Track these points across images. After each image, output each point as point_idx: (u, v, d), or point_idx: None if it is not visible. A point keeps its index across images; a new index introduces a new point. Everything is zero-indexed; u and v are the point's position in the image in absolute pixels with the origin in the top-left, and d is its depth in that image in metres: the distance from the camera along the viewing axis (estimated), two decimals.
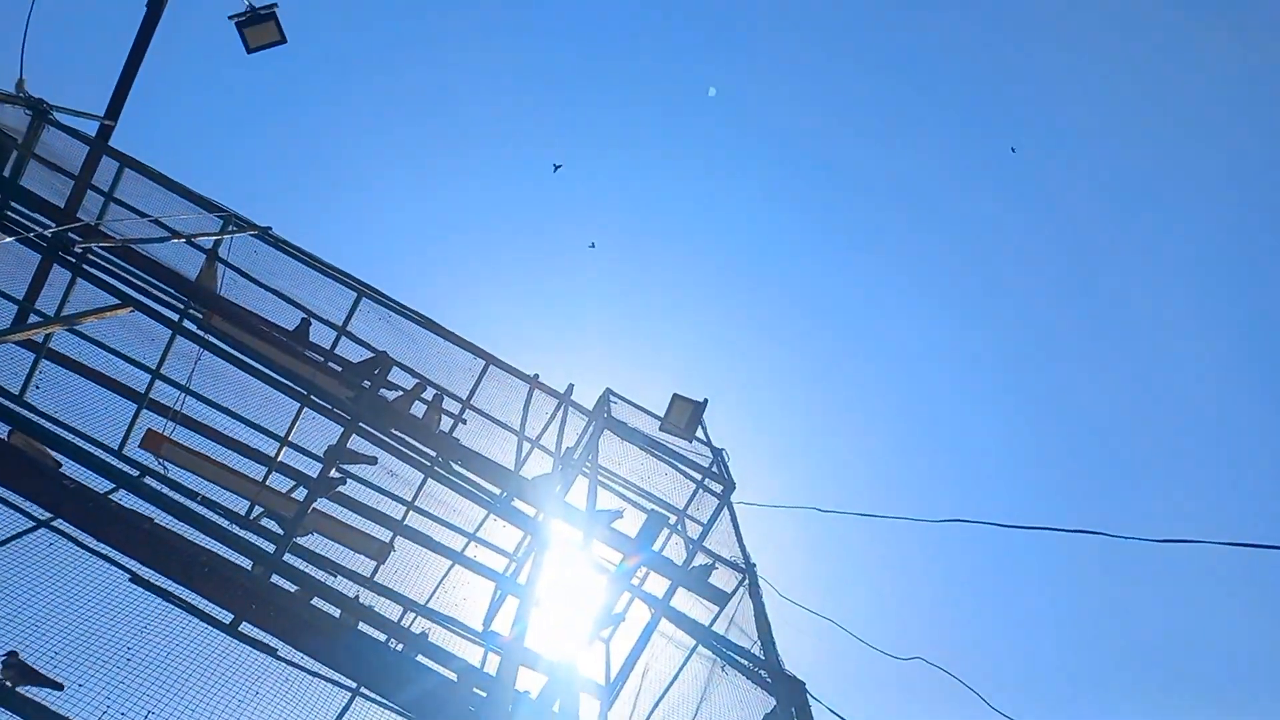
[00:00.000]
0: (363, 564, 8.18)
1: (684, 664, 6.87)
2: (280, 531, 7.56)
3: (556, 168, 31.78)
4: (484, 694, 5.25)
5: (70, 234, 7.30)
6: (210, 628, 6.54)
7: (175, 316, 7.60)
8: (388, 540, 8.08)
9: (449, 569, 8.28)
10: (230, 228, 8.89)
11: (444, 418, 8.30)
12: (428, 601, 8.13)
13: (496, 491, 7.02)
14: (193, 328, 7.61)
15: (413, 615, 7.79)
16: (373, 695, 7.05)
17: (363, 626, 6.35)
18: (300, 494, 8.07)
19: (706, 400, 9.26)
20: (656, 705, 6.94)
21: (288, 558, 6.93)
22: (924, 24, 34.26)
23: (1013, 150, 31.87)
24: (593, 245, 31.51)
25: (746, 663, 5.91)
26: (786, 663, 6.05)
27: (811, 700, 5.43)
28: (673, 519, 8.58)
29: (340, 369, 7.92)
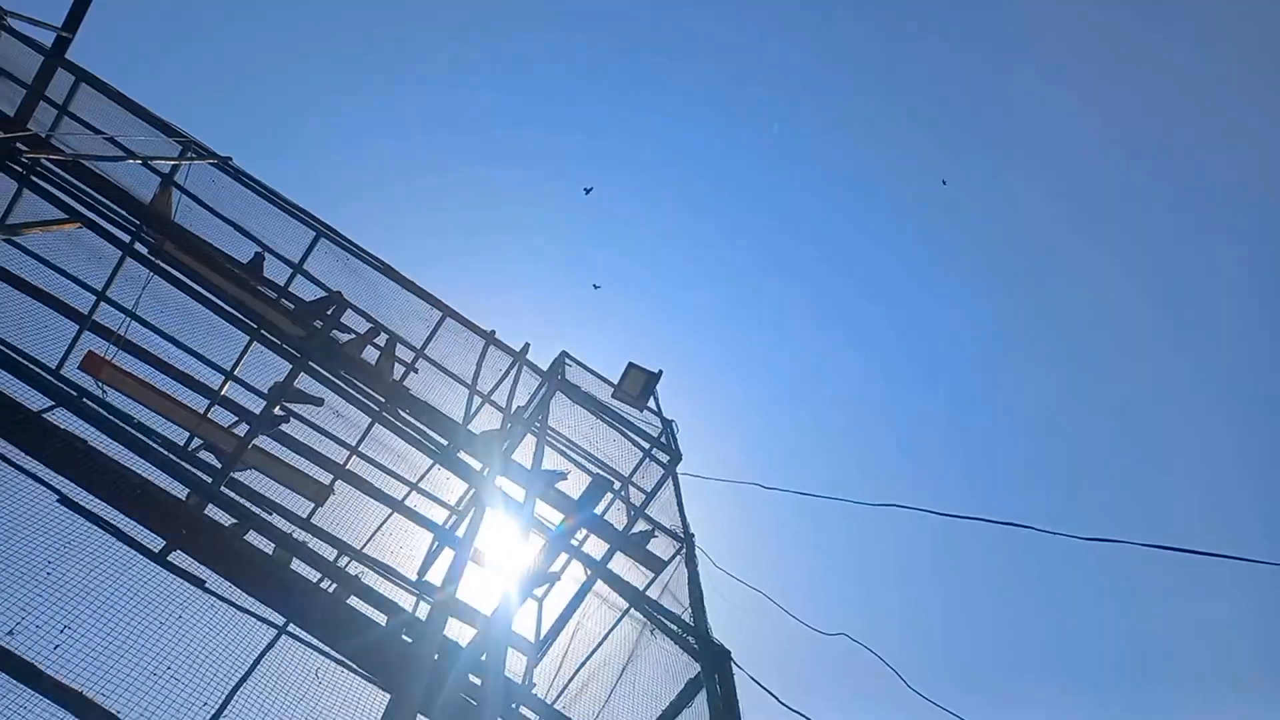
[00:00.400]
0: (300, 505, 8.15)
1: (614, 625, 6.98)
2: (218, 466, 7.51)
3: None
4: (411, 640, 5.31)
5: (18, 144, 7.11)
6: (137, 554, 6.49)
7: (127, 239, 7.46)
8: (328, 483, 8.05)
9: (388, 516, 8.29)
10: (190, 154, 8.73)
11: (396, 365, 8.26)
12: (363, 547, 8.14)
13: (444, 443, 7.04)
14: (144, 251, 7.48)
15: (347, 559, 7.80)
16: (300, 634, 7.06)
17: (296, 566, 6.37)
18: (243, 431, 8.01)
19: (661, 372, 9.34)
20: (583, 664, 7.05)
21: (224, 491, 6.89)
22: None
23: (944, 183, 32.52)
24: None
25: (676, 629, 6.03)
26: (715, 632, 6.19)
27: (735, 669, 5.56)
28: (617, 485, 8.66)
29: (293, 307, 7.84)
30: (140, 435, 7.11)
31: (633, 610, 6.77)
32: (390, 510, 8.36)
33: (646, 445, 8.69)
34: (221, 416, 8.46)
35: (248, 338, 7.99)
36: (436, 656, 7.00)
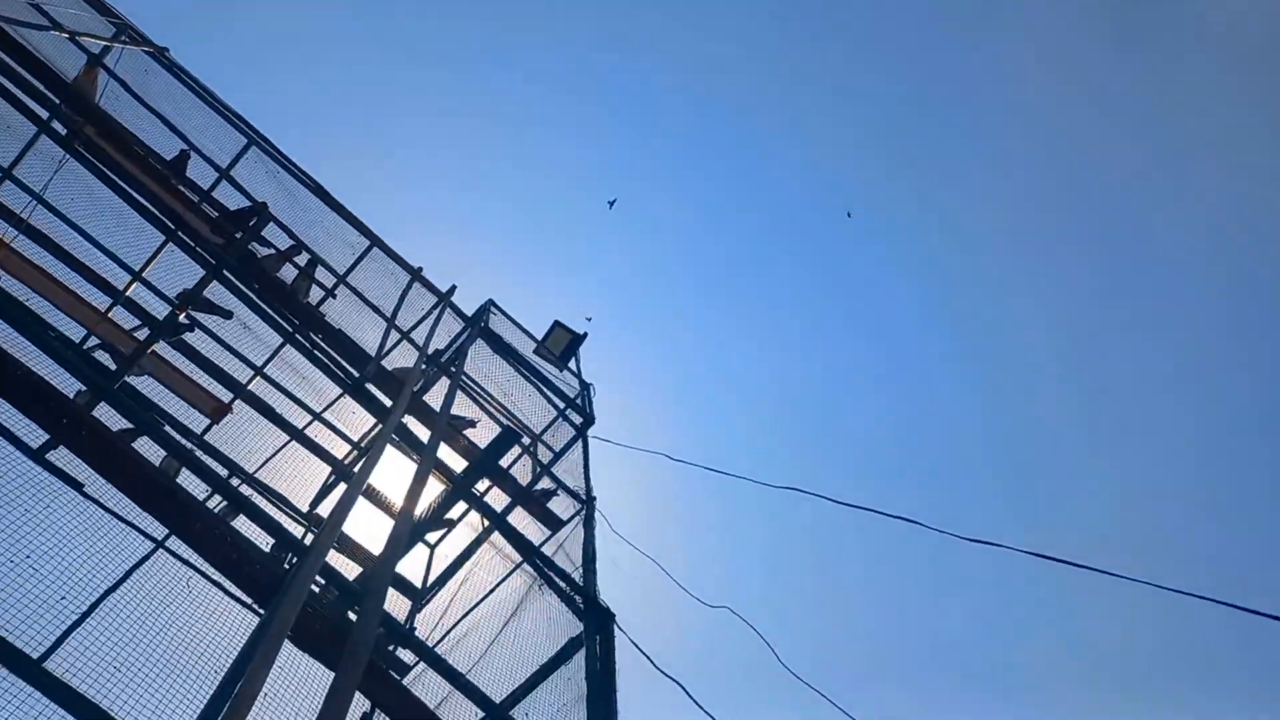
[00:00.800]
0: (196, 421, 7.93)
1: (505, 578, 7.00)
2: (113, 369, 7.25)
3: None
4: (291, 568, 5.24)
5: None
6: (14, 449, 6.24)
7: (44, 115, 7.10)
8: (227, 401, 7.85)
9: (286, 444, 8.12)
10: (123, 38, 8.33)
11: (314, 287, 8.07)
12: (256, 471, 7.97)
13: (355, 374, 6.93)
14: (61, 131, 7.14)
15: (239, 481, 7.64)
16: (178, 552, 6.91)
17: (184, 481, 6.21)
18: (144, 336, 7.74)
19: (585, 334, 9.36)
20: (468, 613, 7.06)
21: (116, 393, 6.66)
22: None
23: (849, 215, 33.30)
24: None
25: (565, 587, 6.09)
26: (605, 597, 6.27)
27: (617, 631, 5.65)
28: (526, 440, 8.65)
29: (214, 213, 7.59)
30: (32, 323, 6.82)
31: (525, 566, 6.81)
32: (289, 438, 8.20)
33: (561, 405, 8.70)
34: (123, 320, 8.15)
35: (162, 239, 7.70)
36: (316, 589, 6.94)
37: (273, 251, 7.66)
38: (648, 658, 5.44)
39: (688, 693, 5.26)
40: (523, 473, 8.13)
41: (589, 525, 6.97)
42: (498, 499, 7.88)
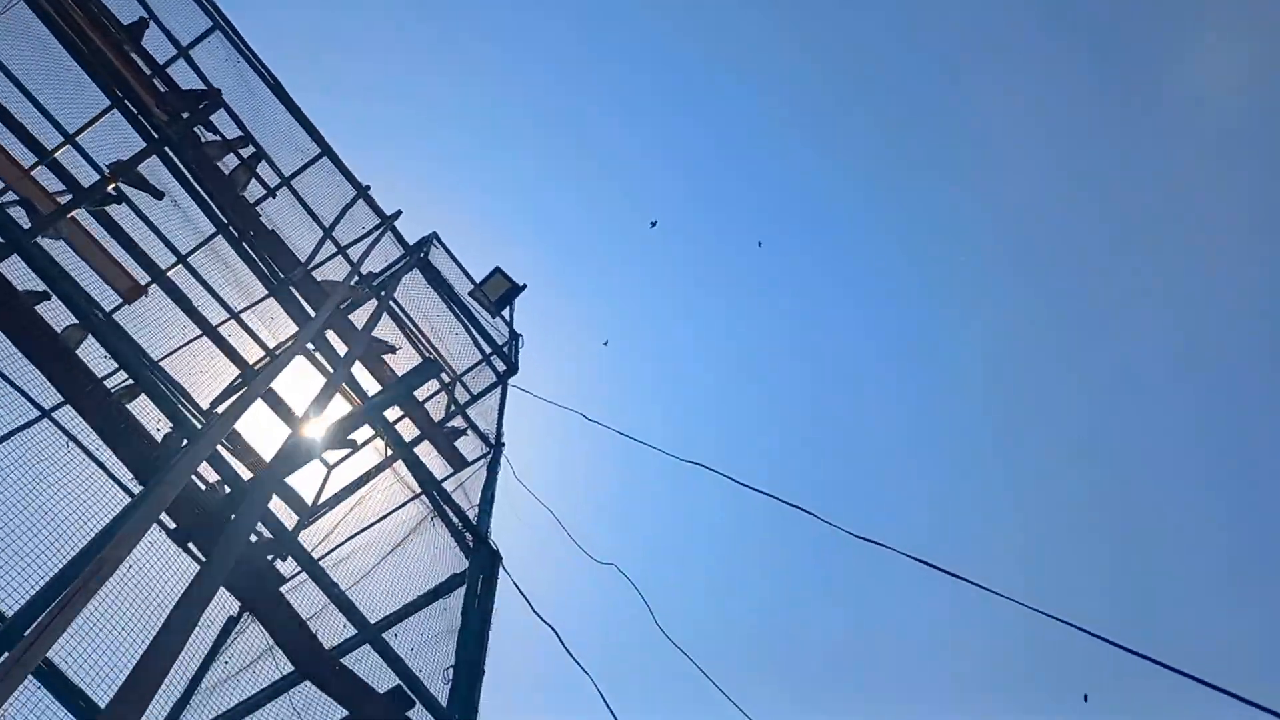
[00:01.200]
0: (108, 297, 7.72)
1: (400, 506, 7.01)
2: (28, 227, 7.01)
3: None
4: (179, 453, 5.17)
5: None
6: None
7: None
8: (145, 283, 7.66)
9: (197, 337, 7.97)
10: None
11: (255, 184, 7.90)
12: (162, 360, 7.80)
13: (282, 276, 6.84)
14: None
15: (146, 364, 7.48)
16: (62, 423, 6.76)
17: (83, 354, 6.06)
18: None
19: (524, 285, 9.36)
20: (356, 535, 7.05)
21: (28, 250, 6.45)
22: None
23: (759, 245, 34.08)
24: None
25: (458, 523, 6.13)
26: (496, 539, 6.33)
27: (502, 574, 5.72)
28: (447, 378, 8.64)
29: (165, 89, 7.37)
30: None
31: (422, 498, 6.82)
32: (202, 332, 8.05)
33: (487, 350, 8.70)
34: (48, 183, 7.88)
35: (106, 104, 7.45)
36: (205, 486, 6.85)
37: (219, 139, 7.48)
38: (527, 600, 5.53)
39: (560, 640, 5.35)
40: (436, 409, 8.12)
41: (493, 469, 7.01)
42: (407, 430, 7.87)
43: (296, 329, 7.68)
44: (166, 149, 6.41)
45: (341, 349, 7.54)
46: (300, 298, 6.96)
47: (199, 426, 7.01)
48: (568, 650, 5.27)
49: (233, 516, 5.01)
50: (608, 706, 4.95)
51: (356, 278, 7.31)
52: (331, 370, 6.46)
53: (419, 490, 6.68)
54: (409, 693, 4.39)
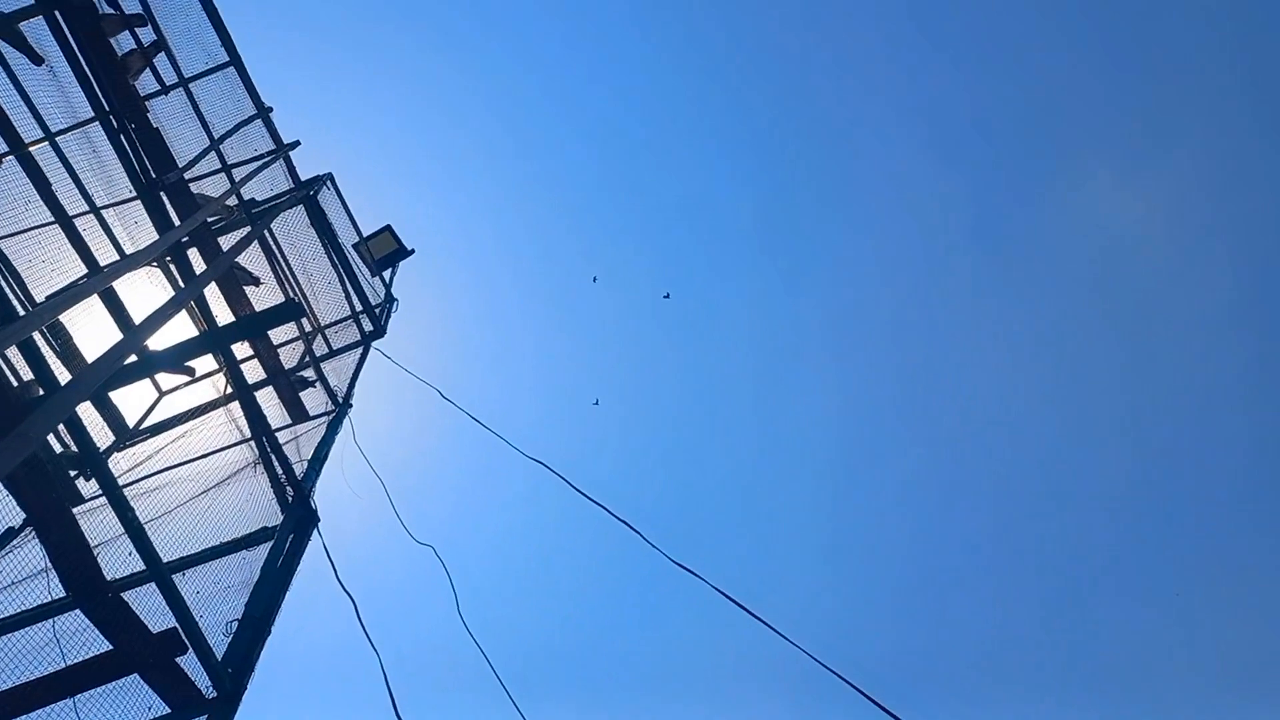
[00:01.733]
0: None
1: (227, 447, 6.71)
2: None
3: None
4: None
5: None
6: None
7: None
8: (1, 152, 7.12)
9: (49, 223, 7.44)
10: None
11: (148, 74, 7.47)
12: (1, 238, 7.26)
13: (154, 176, 6.48)
14: None
15: None
16: None
17: None
18: None
19: (413, 250, 9.16)
20: (171, 468, 6.71)
21: None
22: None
23: (667, 297, 35.11)
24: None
25: (283, 476, 5.91)
26: (321, 501, 6.13)
27: (315, 537, 5.55)
28: (309, 326, 8.34)
29: None
30: None
31: (251, 444, 6.55)
32: (54, 219, 7.54)
33: (358, 307, 8.45)
34: None
35: None
36: (18, 383, 6.42)
37: (116, 14, 7.04)
38: (333, 567, 5.37)
39: (357, 612, 5.22)
40: (289, 356, 7.83)
41: (333, 428, 6.80)
42: (252, 371, 7.56)
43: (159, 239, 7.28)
44: (57, 12, 6.01)
45: (202, 269, 7.20)
46: (170, 206, 6.61)
47: (21, 314, 6.56)
48: (362, 625, 5.15)
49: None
50: (389, 690, 4.85)
51: (235, 199, 6.99)
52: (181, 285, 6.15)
53: (249, 435, 6.41)
54: (183, 637, 4.19)
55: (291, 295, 8.10)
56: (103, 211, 7.79)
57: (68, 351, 7.39)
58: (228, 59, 7.95)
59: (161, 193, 6.29)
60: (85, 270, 7.81)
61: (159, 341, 6.52)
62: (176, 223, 7.08)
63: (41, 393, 5.46)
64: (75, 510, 5.39)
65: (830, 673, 4.46)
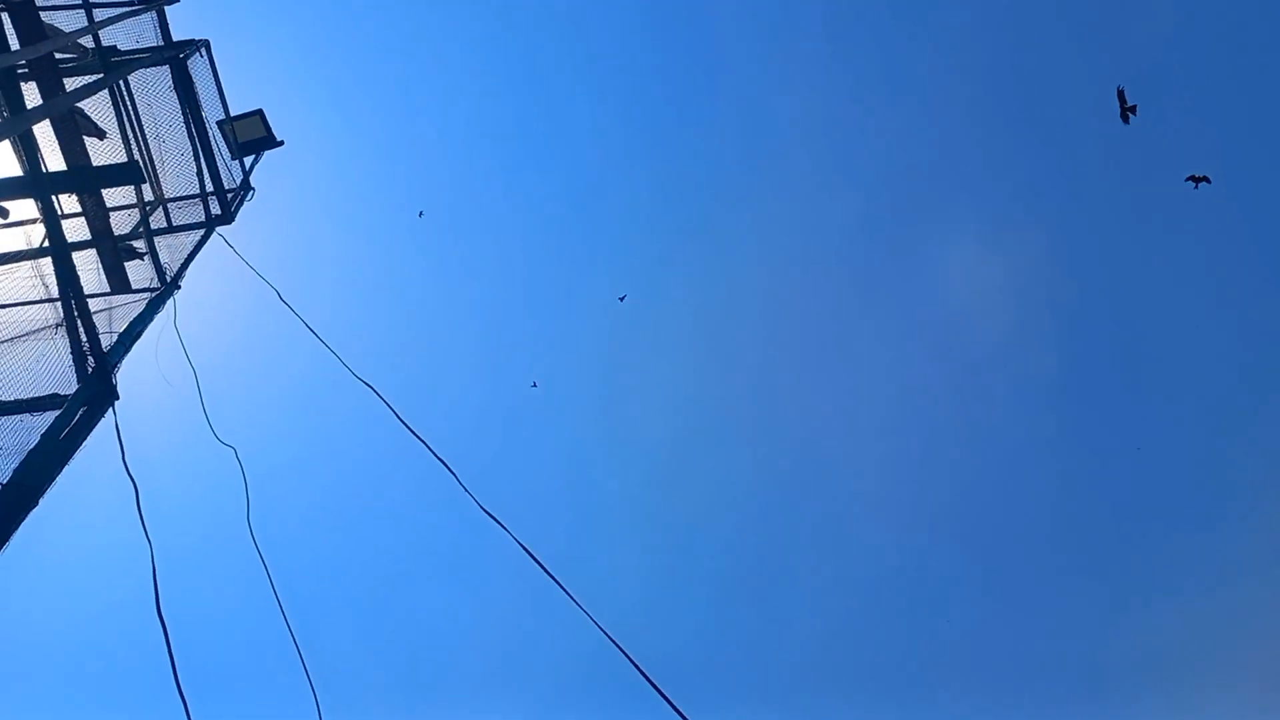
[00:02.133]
0: None
1: (28, 303, 6.18)
2: None
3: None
4: None
5: None
6: None
7: None
8: None
9: None
10: None
11: None
12: None
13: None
14: None
15: None
16: None
17: None
18: None
19: (283, 142, 8.69)
20: None
21: None
22: None
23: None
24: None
25: (86, 346, 5.50)
26: (123, 380, 5.74)
27: (110, 416, 5.19)
28: (151, 197, 7.77)
29: None
30: None
31: (57, 305, 6.06)
32: None
33: (209, 188, 7.94)
34: None
35: None
36: None
37: None
38: (122, 449, 5.04)
39: (138, 499, 4.92)
40: (121, 222, 7.28)
41: (154, 307, 6.37)
42: (77, 230, 6.99)
43: None
44: None
45: (33, 98, 6.60)
46: (11, 28, 6.00)
47: None
48: (140, 513, 4.85)
49: None
50: (155, 583, 4.60)
51: (91, 40, 6.42)
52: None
53: (56, 296, 5.92)
54: None
55: (137, 159, 7.51)
56: None
57: None
58: None
59: (3, 11, 5.70)
60: None
61: None
62: (14, 43, 6.45)
63: None
64: None
65: (615, 647, 4.48)
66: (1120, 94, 16.19)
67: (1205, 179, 16.77)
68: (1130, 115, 16.14)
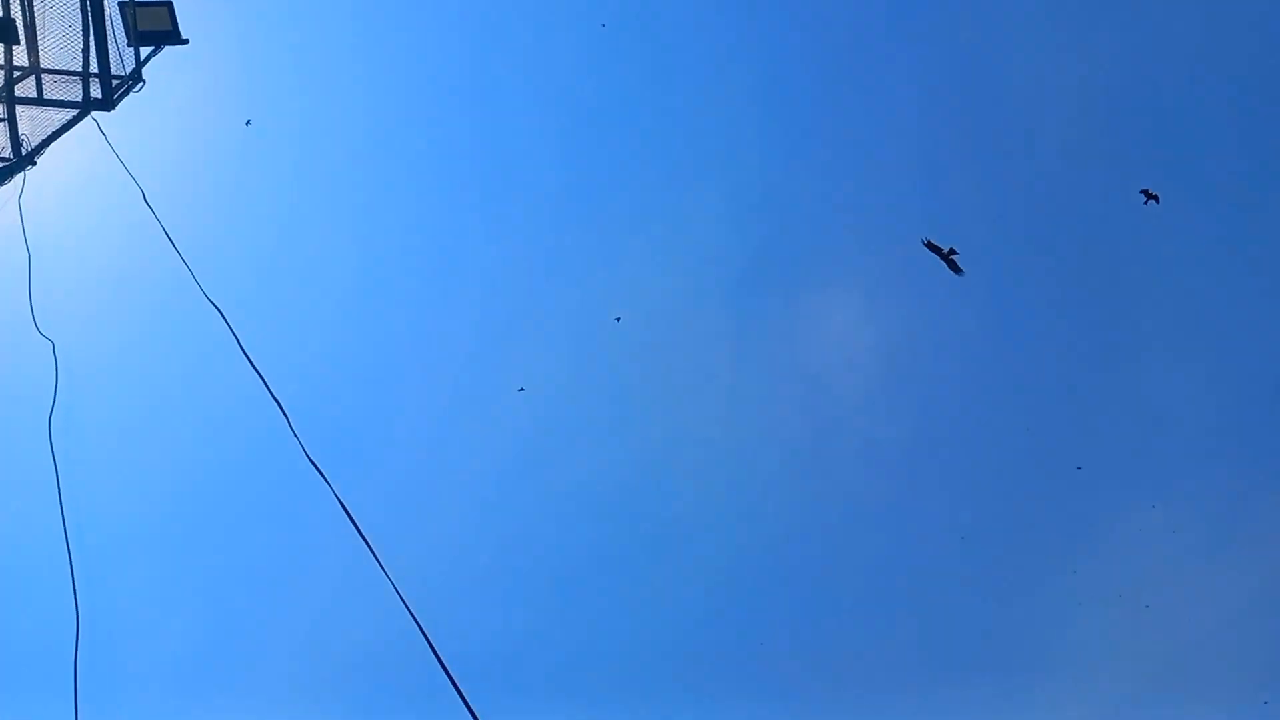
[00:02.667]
0: None
1: None
2: None
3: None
4: None
5: None
6: None
7: None
8: None
9: None
10: None
11: None
12: None
13: None
14: None
15: None
16: None
17: None
18: None
19: (187, 41, 8.16)
20: None
21: None
22: None
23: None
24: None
25: None
26: None
27: None
28: (22, 62, 7.13)
29: None
30: None
31: None
32: None
33: (94, 69, 7.35)
34: None
35: None
36: None
37: None
38: None
39: None
40: None
41: (2, 176, 5.83)
42: None
43: None
44: None
45: None
46: None
47: None
48: None
49: None
50: None
51: None
52: None
53: None
54: None
55: (12, 18, 6.88)
56: None
57: None
58: None
59: None
60: None
61: None
62: None
63: None
64: None
65: (414, 621, 4.20)
66: (930, 245, 15.98)
67: (1155, 197, 16.21)
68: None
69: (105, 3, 7.32)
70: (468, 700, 3.88)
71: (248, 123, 29.93)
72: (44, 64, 7.29)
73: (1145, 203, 16.21)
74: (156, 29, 8.03)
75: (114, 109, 7.29)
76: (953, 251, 16.04)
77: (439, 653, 4.10)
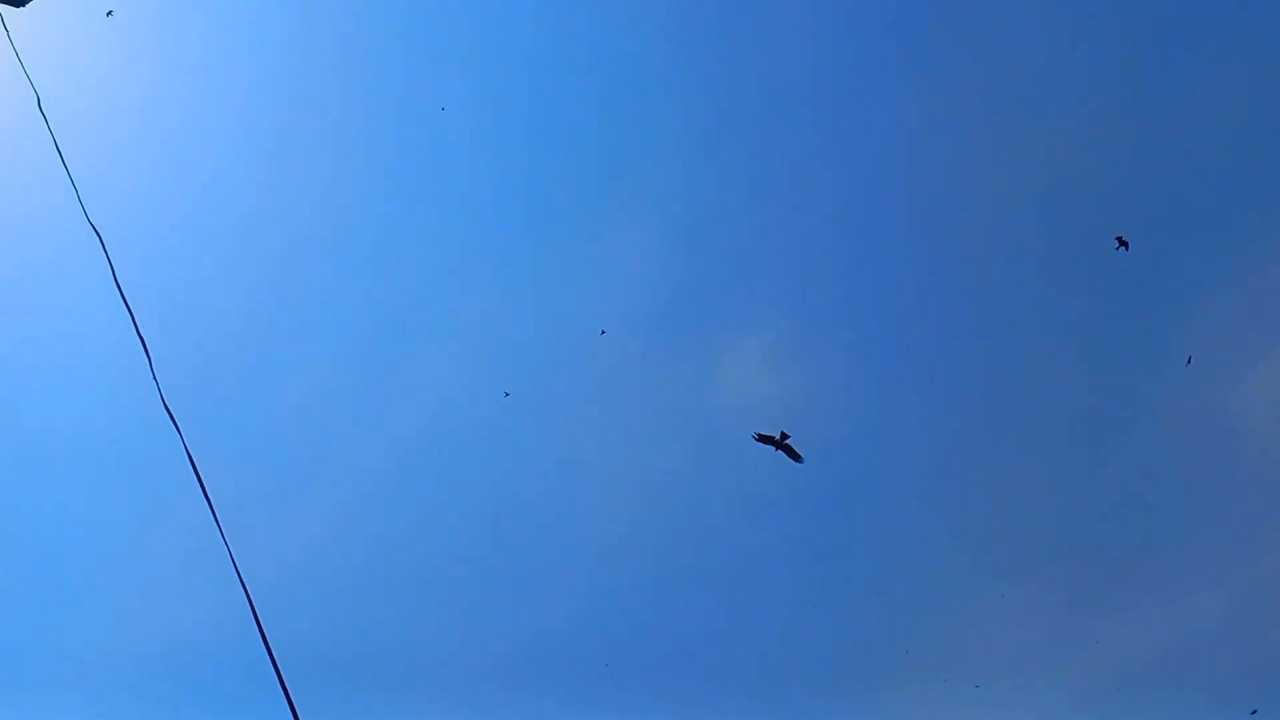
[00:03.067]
0: None
1: None
2: None
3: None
4: None
5: None
6: None
7: None
8: None
9: None
10: None
11: None
12: None
13: None
14: None
15: None
16: None
17: None
18: None
19: None
20: None
21: None
22: None
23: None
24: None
25: None
26: None
27: None
28: None
29: None
30: None
31: None
32: None
33: None
34: None
35: None
36: None
37: None
38: None
39: None
40: None
41: None
42: None
43: None
44: None
45: None
46: None
47: None
48: None
49: None
50: None
51: None
52: None
53: None
54: None
55: None
56: None
57: None
58: None
59: None
60: None
61: None
62: None
63: None
64: None
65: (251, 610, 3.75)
66: (762, 437, 14.71)
67: (1125, 244, 15.80)
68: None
69: None
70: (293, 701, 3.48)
71: (109, 13, 27.80)
72: None
73: (1117, 249, 16.18)
74: None
75: (23, 6, 6.68)
76: (785, 436, 14.84)
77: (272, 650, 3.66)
